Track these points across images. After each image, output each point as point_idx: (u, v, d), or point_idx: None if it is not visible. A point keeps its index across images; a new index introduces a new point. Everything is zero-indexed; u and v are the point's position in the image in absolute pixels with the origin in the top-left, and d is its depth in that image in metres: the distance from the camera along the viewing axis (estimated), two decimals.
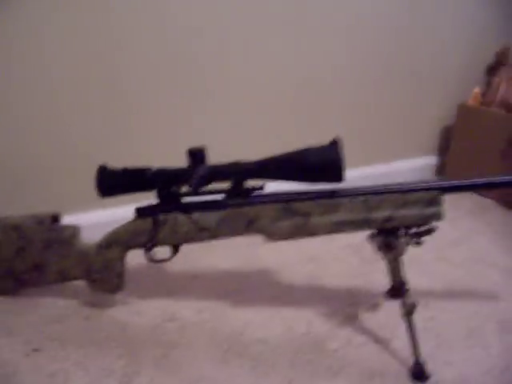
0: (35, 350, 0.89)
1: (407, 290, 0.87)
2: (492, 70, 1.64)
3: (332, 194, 0.88)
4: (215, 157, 0.90)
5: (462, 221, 1.44)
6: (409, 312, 0.86)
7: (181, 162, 0.89)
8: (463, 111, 1.63)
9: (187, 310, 1.02)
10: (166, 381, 0.84)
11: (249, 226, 0.90)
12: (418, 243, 0.88)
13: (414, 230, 0.87)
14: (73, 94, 1.15)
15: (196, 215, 0.91)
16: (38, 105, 1.12)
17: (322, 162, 0.83)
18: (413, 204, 0.85)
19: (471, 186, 0.88)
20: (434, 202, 0.85)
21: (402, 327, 0.89)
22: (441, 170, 1.76)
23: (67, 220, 1.00)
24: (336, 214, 0.87)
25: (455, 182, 0.86)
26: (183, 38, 1.21)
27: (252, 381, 0.84)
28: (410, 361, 0.87)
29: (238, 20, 1.26)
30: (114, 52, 1.15)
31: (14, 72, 1.07)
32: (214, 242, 0.93)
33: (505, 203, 1.54)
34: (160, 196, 0.92)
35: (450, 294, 1.09)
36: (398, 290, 0.88)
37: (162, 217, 0.91)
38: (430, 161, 1.76)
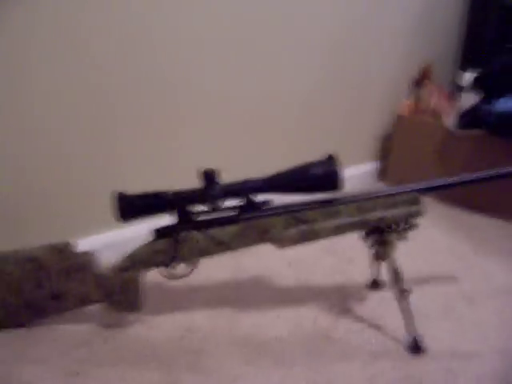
0: (73, 375, 0.93)
1: (401, 278, 1.02)
2: (417, 83, 1.87)
3: (331, 202, 1.01)
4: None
5: None
6: (404, 296, 1.01)
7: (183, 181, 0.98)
8: (400, 120, 1.85)
9: (201, 319, 1.11)
10: (209, 382, 0.92)
11: (261, 237, 1.00)
12: (404, 238, 1.04)
13: (401, 227, 1.03)
14: (72, 119, 1.19)
15: (212, 231, 1.00)
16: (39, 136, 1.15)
17: (322, 174, 0.96)
18: (399, 205, 1.01)
19: (444, 186, 1.04)
20: (416, 201, 1.01)
21: (389, 312, 1.08)
22: (383, 174, 1.98)
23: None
24: (336, 219, 1.01)
25: (430, 184, 1.03)
26: (178, 53, 1.30)
27: (280, 373, 0.95)
28: (405, 339, 1.02)
29: (235, 36, 1.39)
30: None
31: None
32: None
33: (443, 200, 1.76)
34: (177, 216, 1.00)
35: (421, 281, 1.26)
36: (393, 278, 1.02)
37: (181, 235, 1.00)
38: (371, 166, 1.97)
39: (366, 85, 1.80)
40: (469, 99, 1.61)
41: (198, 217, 1.01)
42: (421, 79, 1.87)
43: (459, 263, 1.38)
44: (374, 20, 1.72)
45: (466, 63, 1.80)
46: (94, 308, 1.06)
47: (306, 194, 1.00)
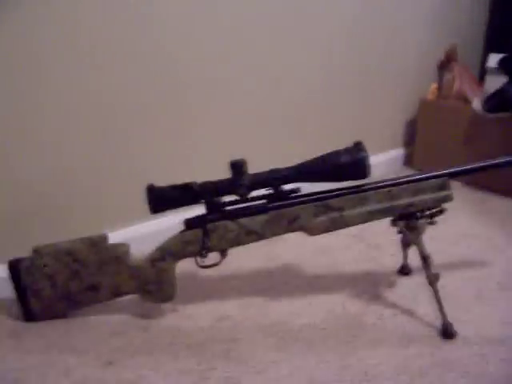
0: (109, 363, 0.96)
1: (431, 262, 1.02)
2: (443, 66, 1.85)
3: (359, 189, 1.01)
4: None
5: None
6: (434, 281, 1.01)
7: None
8: (424, 105, 1.83)
9: (232, 308, 1.12)
10: (242, 370, 0.93)
11: (290, 225, 1.01)
12: (432, 223, 1.04)
13: (429, 212, 1.03)
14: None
15: (242, 220, 1.01)
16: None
17: (350, 162, 0.96)
18: (427, 190, 1.01)
19: (471, 170, 1.04)
20: (444, 186, 1.01)
21: (420, 297, 1.09)
22: (408, 160, 1.96)
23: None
24: (365, 206, 1.01)
25: (458, 169, 1.02)
26: (192, 48, 1.32)
27: (313, 359, 0.96)
28: (437, 323, 1.02)
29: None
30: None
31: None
32: None
33: (468, 184, 1.75)
34: (207, 206, 1.01)
35: (451, 266, 1.26)
36: (423, 263, 1.02)
37: (211, 225, 1.01)
38: (398, 153, 1.96)
39: (390, 70, 1.79)
40: (494, 82, 1.58)
41: (227, 207, 1.02)
42: (446, 62, 1.84)
43: (488, 248, 1.37)
44: (398, 3, 1.70)
45: (492, 46, 1.76)
46: (127, 299, 1.09)
47: (334, 182, 1.00)
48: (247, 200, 1.01)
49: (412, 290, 1.16)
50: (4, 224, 1.12)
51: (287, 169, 0.99)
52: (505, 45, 1.64)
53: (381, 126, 1.86)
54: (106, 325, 1.07)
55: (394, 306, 1.12)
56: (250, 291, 1.19)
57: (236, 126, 1.47)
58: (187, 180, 1.00)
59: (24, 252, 1.03)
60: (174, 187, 0.99)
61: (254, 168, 1.00)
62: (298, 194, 1.02)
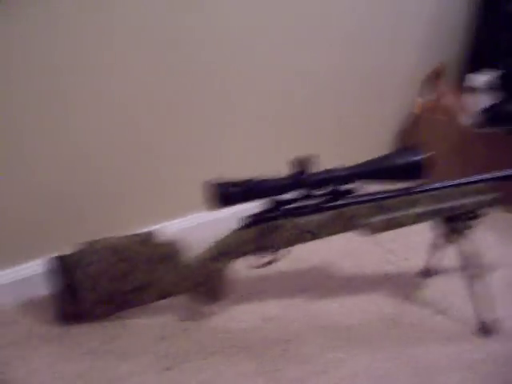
0: (166, 369, 0.90)
1: (472, 263, 1.06)
2: (430, 83, 1.94)
3: (411, 191, 1.04)
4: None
5: None
6: (474, 280, 1.05)
7: None
8: (413, 118, 1.92)
9: (274, 309, 1.10)
10: (306, 370, 0.92)
11: (347, 225, 1.02)
12: (475, 225, 1.08)
13: (472, 215, 1.08)
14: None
15: (300, 219, 1.00)
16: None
17: (407, 163, 0.99)
18: (473, 193, 1.05)
19: None
20: (490, 190, 1.06)
21: (450, 297, 1.14)
22: None
23: None
24: (417, 207, 1.04)
25: (504, 173, 1.08)
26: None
27: (367, 358, 0.97)
28: (473, 321, 1.06)
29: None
30: None
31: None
32: None
33: None
34: (267, 204, 0.99)
35: (488, 265, 1.25)
36: (463, 263, 1.06)
37: (270, 224, 0.99)
38: None
39: (382, 82, 1.85)
40: (484, 99, 1.70)
41: (287, 205, 1.01)
42: (433, 78, 1.93)
43: None
44: (393, 22, 1.78)
45: (475, 65, 1.88)
46: (167, 301, 1.03)
47: (389, 183, 1.02)
48: (306, 198, 1.01)
49: (442, 290, 1.20)
50: (46, 218, 1.03)
51: (345, 168, 1.00)
52: (491, 63, 1.76)
53: (372, 133, 1.91)
54: (151, 328, 1.01)
55: (427, 305, 1.15)
56: (287, 292, 1.17)
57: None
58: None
59: (67, 249, 0.95)
60: (238, 183, 0.96)
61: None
62: (354, 194, 1.03)
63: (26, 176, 1.05)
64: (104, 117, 1.12)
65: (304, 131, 1.66)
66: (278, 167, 0.98)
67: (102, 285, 0.96)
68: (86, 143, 1.12)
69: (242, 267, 1.07)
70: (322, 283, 1.23)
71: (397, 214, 1.02)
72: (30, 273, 1.09)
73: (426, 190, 1.04)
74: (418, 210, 1.03)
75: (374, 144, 1.93)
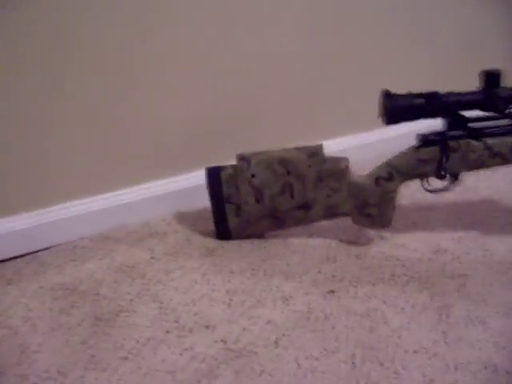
0: (331, 292, 0.85)
1: None
2: None
3: None
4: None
5: None
6: None
7: None
8: None
9: (446, 241, 0.99)
10: (483, 309, 0.80)
11: None
12: None
13: None
14: None
15: (489, 140, 0.86)
16: None
17: None
18: None
19: None
20: None
21: None
22: None
23: None
24: None
25: None
26: None
27: None
28: None
29: None
30: None
31: None
32: None
33: None
34: (448, 121, 0.87)
35: None
36: None
37: (452, 143, 0.87)
38: None
39: None
40: None
41: (473, 123, 0.87)
42: None
43: None
44: None
45: None
46: (331, 222, 0.97)
47: None
48: (497, 117, 0.86)
49: None
50: (201, 127, 1.01)
51: None
52: None
53: None
54: (314, 249, 0.96)
55: None
56: (458, 224, 1.05)
57: None
58: None
59: (226, 160, 0.91)
60: (414, 95, 0.85)
61: None
62: None
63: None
64: None
65: None
66: None
67: (265, 198, 0.92)
68: None
69: (410, 192, 0.97)
70: (498, 216, 1.08)
71: None
72: (193, 183, 1.08)
73: None
74: None
75: None
